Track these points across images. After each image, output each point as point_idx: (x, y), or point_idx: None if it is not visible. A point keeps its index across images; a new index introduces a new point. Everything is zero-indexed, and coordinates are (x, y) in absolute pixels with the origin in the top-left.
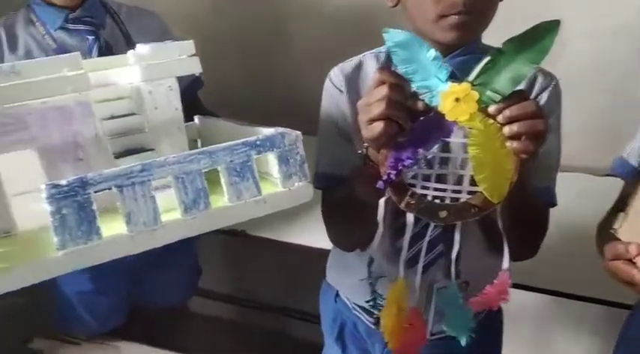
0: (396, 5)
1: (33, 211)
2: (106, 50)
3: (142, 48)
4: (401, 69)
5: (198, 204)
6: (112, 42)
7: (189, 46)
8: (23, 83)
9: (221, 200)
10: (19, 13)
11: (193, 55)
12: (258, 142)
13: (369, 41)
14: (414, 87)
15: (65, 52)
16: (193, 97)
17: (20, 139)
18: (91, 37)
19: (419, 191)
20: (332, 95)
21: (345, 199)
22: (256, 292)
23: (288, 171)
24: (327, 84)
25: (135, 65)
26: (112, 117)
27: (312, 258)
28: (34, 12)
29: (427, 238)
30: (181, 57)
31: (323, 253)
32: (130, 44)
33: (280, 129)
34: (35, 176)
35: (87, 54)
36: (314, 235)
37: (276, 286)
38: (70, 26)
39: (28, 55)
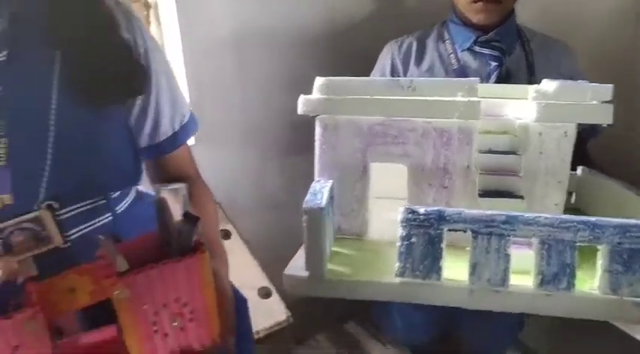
0: None
1: (385, 220)
2: (505, 78)
3: (548, 84)
4: None
5: (559, 281)
6: (514, 71)
7: (605, 91)
8: (416, 100)
9: (589, 285)
10: (434, 28)
11: (608, 101)
12: None
13: None
14: None
15: (465, 74)
16: (585, 143)
17: (397, 152)
18: (494, 63)
19: None
20: None
21: None
22: None
23: None
24: None
25: (533, 101)
26: (490, 151)
27: None
28: (448, 29)
29: None
30: (592, 102)
31: None
32: (532, 76)
33: None
34: (397, 187)
35: (485, 79)
36: None
37: None
38: (477, 48)
39: (430, 70)
